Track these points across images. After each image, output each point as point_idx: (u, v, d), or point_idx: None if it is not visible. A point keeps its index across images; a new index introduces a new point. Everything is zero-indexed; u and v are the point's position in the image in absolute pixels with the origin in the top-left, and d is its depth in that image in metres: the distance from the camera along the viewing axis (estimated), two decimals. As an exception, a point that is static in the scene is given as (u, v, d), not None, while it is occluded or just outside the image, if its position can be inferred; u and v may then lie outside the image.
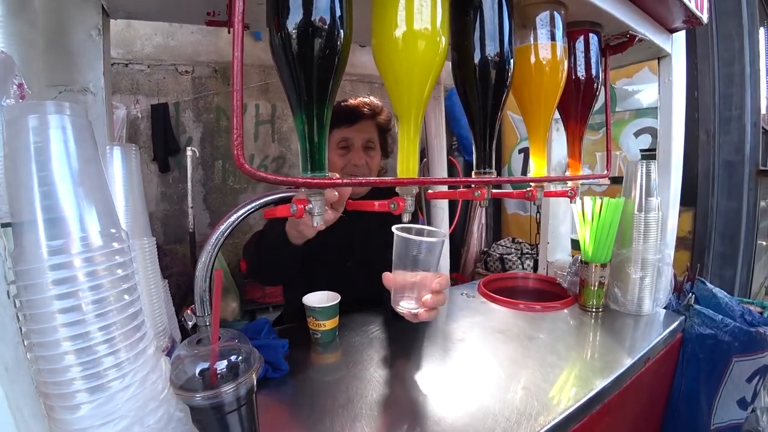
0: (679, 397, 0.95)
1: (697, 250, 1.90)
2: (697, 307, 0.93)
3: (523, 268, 2.53)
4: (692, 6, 0.84)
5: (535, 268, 1.32)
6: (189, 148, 2.27)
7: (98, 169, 0.37)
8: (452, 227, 2.63)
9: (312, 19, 0.40)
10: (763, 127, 2.45)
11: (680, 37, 1.00)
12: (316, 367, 0.76)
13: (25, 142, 0.34)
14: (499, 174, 0.63)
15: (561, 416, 0.58)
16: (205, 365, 0.46)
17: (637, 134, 2.22)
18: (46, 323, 0.33)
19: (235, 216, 0.70)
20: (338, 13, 0.42)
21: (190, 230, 2.28)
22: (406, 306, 0.65)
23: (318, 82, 0.43)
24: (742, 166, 1.86)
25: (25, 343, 0.33)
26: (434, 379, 0.70)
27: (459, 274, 2.81)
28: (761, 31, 2.86)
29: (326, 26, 0.41)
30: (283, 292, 1.20)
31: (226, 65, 2.54)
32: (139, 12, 0.70)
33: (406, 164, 0.53)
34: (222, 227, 0.70)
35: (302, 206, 0.46)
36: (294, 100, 0.44)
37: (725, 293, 1.08)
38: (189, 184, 2.25)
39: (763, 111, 2.08)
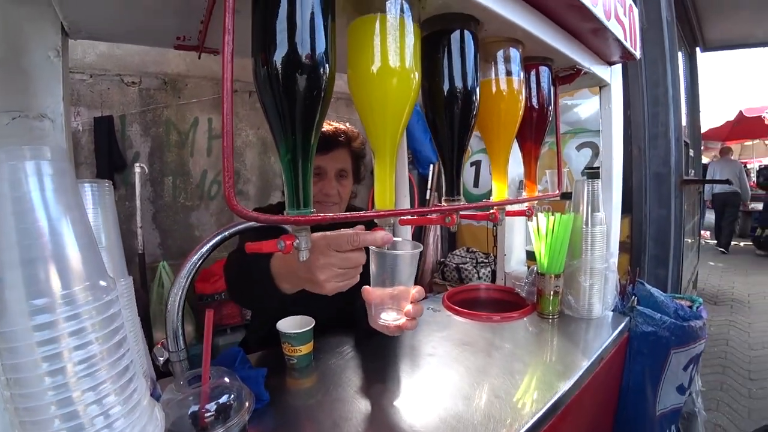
0: (627, 390, 1.05)
1: (635, 254, 2.10)
2: (639, 308, 1.04)
3: (479, 277, 2.64)
4: (627, 45, 0.95)
5: (493, 278, 1.40)
6: (137, 164, 2.14)
7: (81, 216, 0.36)
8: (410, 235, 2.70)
9: (299, 54, 0.42)
10: (684, 141, 2.77)
11: (618, 69, 1.12)
12: (295, 393, 0.76)
13: (1, 193, 0.32)
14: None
15: (532, 420, 0.63)
16: (195, 408, 0.45)
17: (578, 148, 2.42)
18: (32, 387, 0.31)
19: (206, 248, 0.69)
20: (324, 48, 0.43)
21: (140, 251, 2.15)
22: (387, 318, 0.65)
23: (304, 117, 0.44)
24: (669, 177, 2.09)
25: (12, 409, 0.32)
26: (411, 394, 0.73)
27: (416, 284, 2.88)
28: (680, 55, 3.26)
29: (312, 61, 0.42)
30: (252, 315, 1.17)
31: (175, 77, 2.44)
32: (102, 33, 0.66)
33: (383, 196, 0.56)
34: (193, 259, 0.69)
35: (290, 242, 0.47)
36: (279, 135, 0.45)
37: (660, 292, 1.21)
38: (137, 202, 2.12)
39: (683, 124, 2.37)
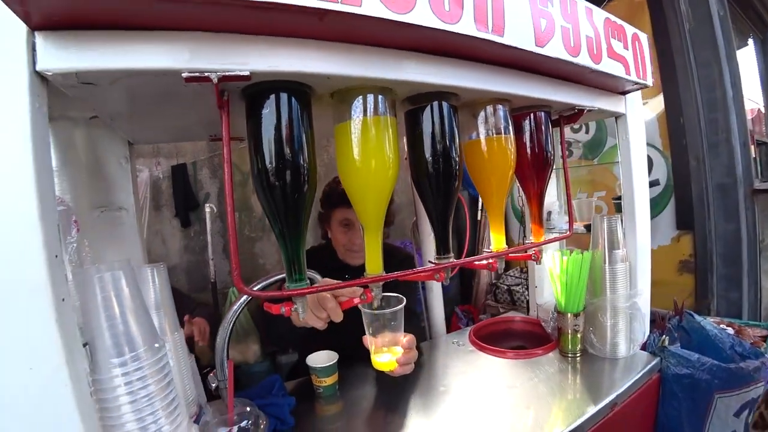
0: (663, 435, 1.01)
1: (699, 275, 1.92)
2: (671, 348, 0.99)
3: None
4: (635, 78, 0.94)
5: (528, 309, 1.41)
6: (207, 204, 2.47)
7: (142, 303, 0.52)
8: (464, 255, 2.71)
9: (285, 158, 0.53)
10: (756, 140, 2.47)
11: (635, 97, 1.08)
12: (320, 419, 0.88)
13: (93, 294, 0.49)
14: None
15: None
16: (225, 429, 0.60)
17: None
18: (114, 412, 0.48)
19: (237, 305, 0.84)
20: (302, 155, 0.54)
21: (212, 279, 2.46)
22: (382, 360, 0.79)
23: (289, 208, 0.55)
24: (735, 187, 1.90)
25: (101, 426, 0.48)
26: (424, 428, 0.80)
27: (471, 306, 2.86)
28: (751, 43, 2.92)
29: (293, 166, 0.53)
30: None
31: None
32: (155, 139, 0.88)
33: (372, 261, 0.66)
34: (234, 308, 0.84)
35: (288, 308, 0.59)
36: (272, 220, 0.57)
37: (714, 325, 1.13)
38: (209, 236, 2.45)
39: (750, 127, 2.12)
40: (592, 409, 0.79)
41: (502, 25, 0.60)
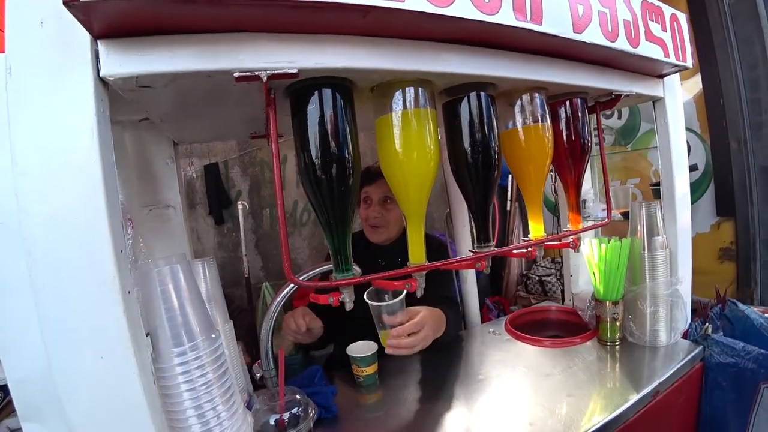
0: (707, 425, 0.98)
1: (741, 263, 1.84)
2: (714, 336, 0.96)
3: (562, 291, 2.51)
4: (675, 60, 0.91)
5: (563, 298, 1.39)
6: (240, 201, 2.54)
7: (198, 295, 0.55)
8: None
9: (331, 152, 0.55)
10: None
11: (673, 79, 1.05)
12: (360, 407, 0.90)
13: (154, 287, 0.52)
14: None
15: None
16: (276, 416, 0.63)
17: (666, 145, 2.20)
18: (176, 399, 0.51)
19: (286, 290, 0.87)
20: (347, 148, 0.56)
21: (246, 275, 2.53)
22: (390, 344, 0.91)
23: (335, 200, 0.57)
24: (781, 171, 1.80)
25: (164, 412, 0.51)
26: (461, 414, 0.82)
27: (502, 297, 2.84)
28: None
29: (338, 159, 0.55)
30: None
31: (265, 121, 2.84)
32: (198, 139, 0.91)
33: (415, 251, 0.67)
34: (278, 299, 0.87)
35: (336, 297, 0.61)
36: (320, 214, 0.59)
37: (759, 314, 1.09)
38: (242, 233, 2.52)
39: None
40: (634, 397, 0.79)
41: (540, 13, 0.60)
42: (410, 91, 0.61)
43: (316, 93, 0.55)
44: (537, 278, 2.70)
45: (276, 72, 0.48)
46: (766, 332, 1.02)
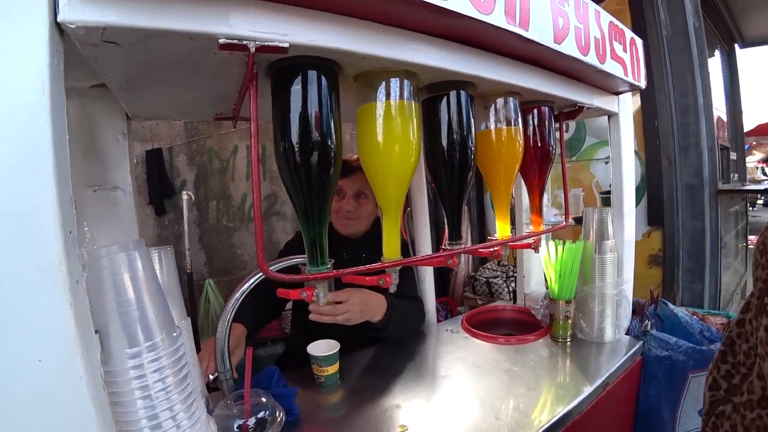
0: (644, 413, 1.08)
1: (667, 268, 2.05)
2: (652, 332, 1.06)
3: (509, 292, 2.64)
4: (629, 80, 0.99)
5: (514, 299, 1.45)
6: (185, 192, 2.36)
7: (158, 288, 0.49)
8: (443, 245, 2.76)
9: (314, 137, 0.52)
10: (722, 146, 2.65)
11: (626, 97, 1.14)
12: (323, 409, 0.87)
13: (105, 276, 0.45)
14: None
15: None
16: (240, 421, 0.58)
17: (607, 160, 2.40)
18: (128, 407, 0.44)
19: (247, 284, 0.82)
20: (329, 134, 0.53)
21: (188, 271, 2.36)
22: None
23: (315, 188, 0.54)
24: (702, 188, 2.04)
25: (114, 421, 0.44)
26: (431, 412, 0.82)
27: (449, 298, 2.91)
28: (717, 53, 3.13)
29: (320, 145, 0.52)
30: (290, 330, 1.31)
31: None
32: (156, 115, 0.81)
33: (390, 247, 0.66)
34: (236, 295, 0.81)
35: (310, 293, 0.58)
36: (297, 203, 0.56)
37: (685, 312, 1.22)
38: (185, 226, 2.34)
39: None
40: (588, 389, 0.84)
41: (528, 20, 0.62)
42: (396, 82, 0.60)
43: (302, 74, 0.52)
44: (484, 280, 2.81)
45: (266, 44, 0.44)
46: (690, 328, 1.14)
